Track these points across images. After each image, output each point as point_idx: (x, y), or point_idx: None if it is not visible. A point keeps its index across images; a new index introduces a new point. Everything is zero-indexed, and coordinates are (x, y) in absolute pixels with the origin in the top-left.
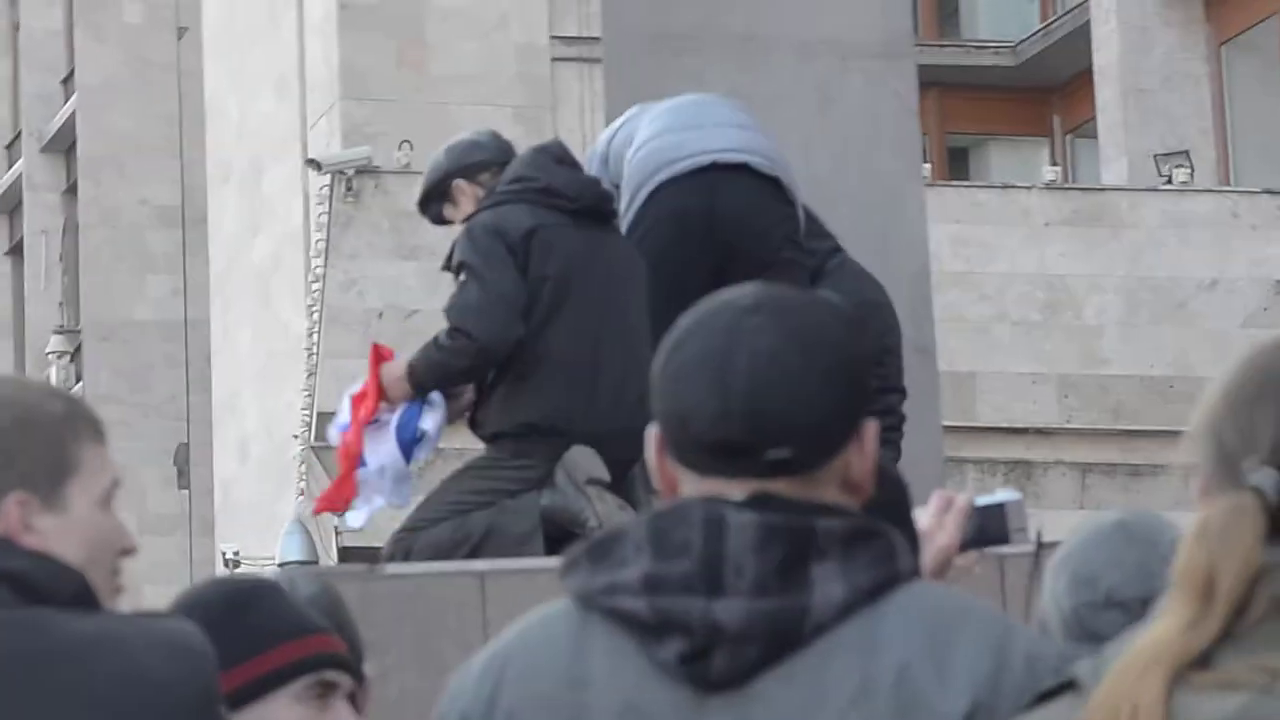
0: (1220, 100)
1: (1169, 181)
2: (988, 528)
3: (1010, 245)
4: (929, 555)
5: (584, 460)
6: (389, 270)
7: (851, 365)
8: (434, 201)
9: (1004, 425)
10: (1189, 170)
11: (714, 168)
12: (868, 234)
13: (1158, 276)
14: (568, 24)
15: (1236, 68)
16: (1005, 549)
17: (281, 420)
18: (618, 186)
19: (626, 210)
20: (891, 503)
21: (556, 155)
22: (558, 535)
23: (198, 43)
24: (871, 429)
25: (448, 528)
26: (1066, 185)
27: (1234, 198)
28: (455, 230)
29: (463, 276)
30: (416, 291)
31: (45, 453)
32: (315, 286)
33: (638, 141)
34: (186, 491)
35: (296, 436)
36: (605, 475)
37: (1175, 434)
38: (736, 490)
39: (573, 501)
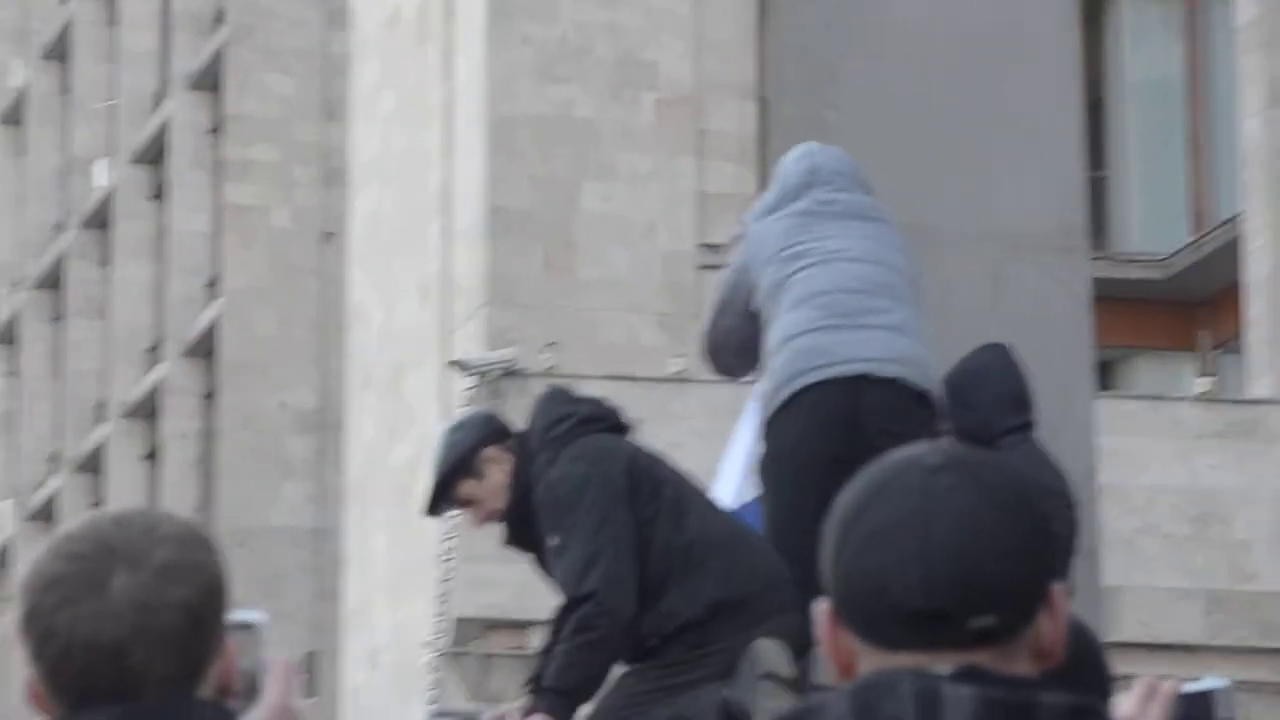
0: None
1: None
2: (1194, 716)
3: (1160, 457)
4: None
5: (767, 653)
6: None
7: (1045, 525)
8: (451, 487)
9: (1149, 641)
10: None
11: (863, 378)
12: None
13: None
14: (715, 231)
15: None
16: None
17: (413, 628)
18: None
19: (768, 405)
20: (1085, 662)
21: (564, 395)
22: None
23: (342, 248)
24: (1061, 593)
25: None
26: (1219, 398)
27: None
28: None
29: (557, 540)
30: None
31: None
32: None
33: (784, 330)
34: (315, 700)
35: (427, 645)
36: (786, 670)
37: None
38: (933, 663)
39: (748, 694)
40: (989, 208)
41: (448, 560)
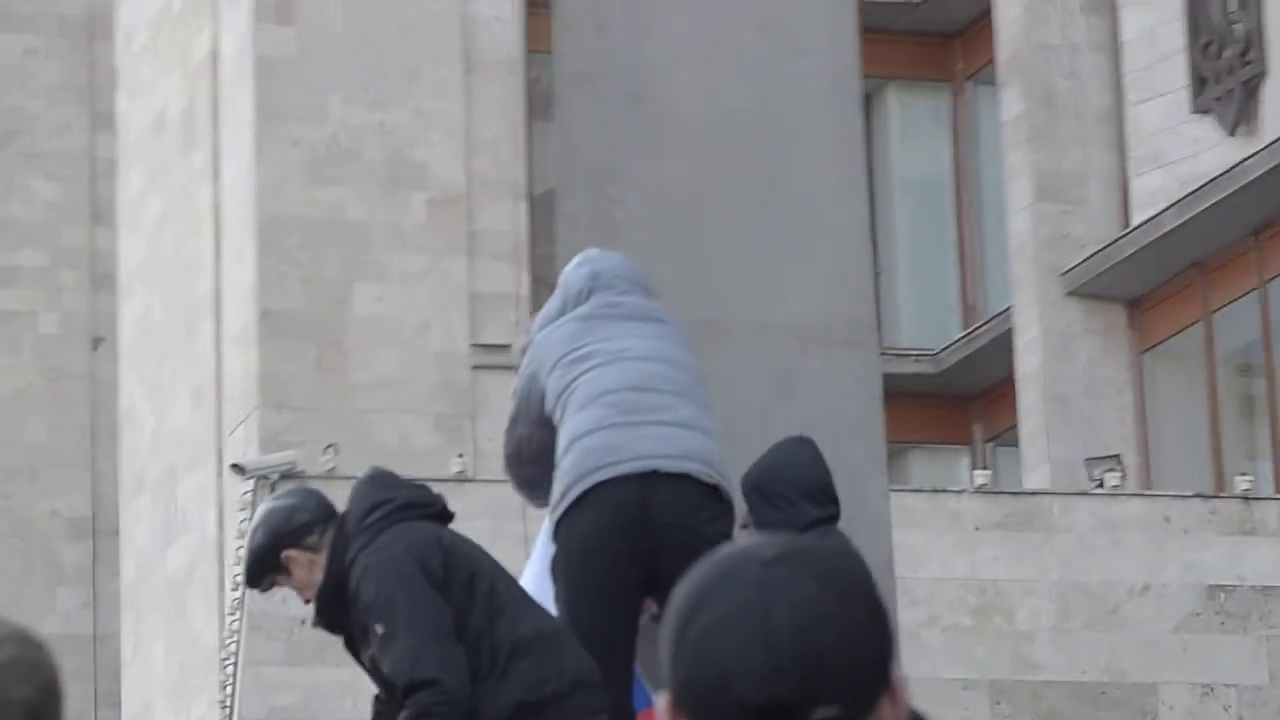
0: (1142, 407)
1: (1100, 485)
2: None
3: (941, 549)
4: None
5: None
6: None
7: (882, 612)
8: (265, 575)
9: None
10: (1120, 474)
11: (654, 474)
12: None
13: (1090, 581)
14: (489, 332)
15: (1158, 375)
16: None
17: None
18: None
19: (557, 504)
20: None
21: (387, 479)
22: None
23: (112, 353)
24: (900, 679)
25: None
26: (997, 490)
27: (1165, 501)
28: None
29: (382, 628)
30: None
31: None
32: (234, 595)
33: (572, 429)
34: None
35: None
36: None
37: None
38: None
39: None
40: (776, 301)
41: (229, 664)
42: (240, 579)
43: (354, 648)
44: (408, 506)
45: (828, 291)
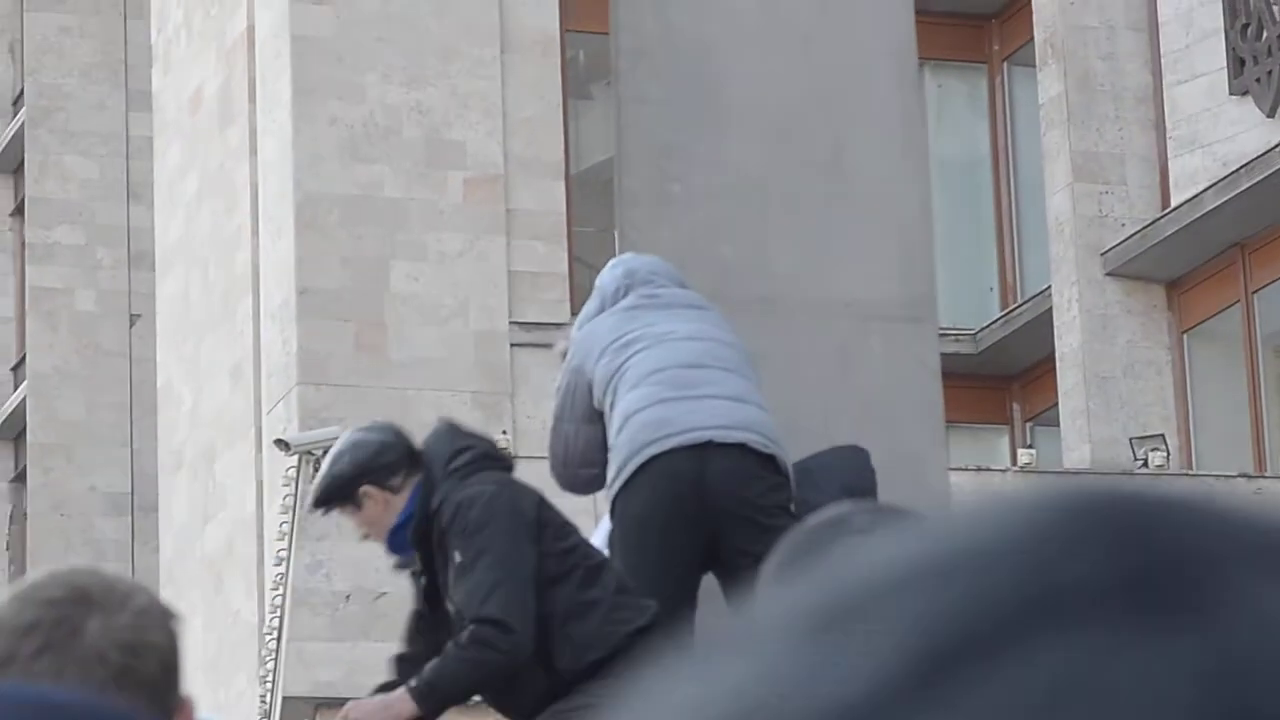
0: (1183, 388)
1: (1145, 465)
2: None
3: None
4: None
5: None
6: (356, 552)
7: None
8: (335, 503)
9: None
10: (1165, 454)
11: (709, 444)
12: (889, 500)
13: None
14: (527, 310)
15: (1198, 356)
16: None
17: (232, 710)
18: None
19: (614, 480)
20: None
21: (464, 429)
22: None
23: (150, 330)
24: None
25: None
26: (1041, 469)
27: (1209, 481)
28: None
29: (460, 556)
30: (384, 574)
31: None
32: (278, 570)
33: (625, 408)
34: None
35: None
36: None
37: None
38: None
39: None
40: (836, 279)
41: (270, 639)
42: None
43: (436, 587)
44: (488, 457)
45: (888, 269)
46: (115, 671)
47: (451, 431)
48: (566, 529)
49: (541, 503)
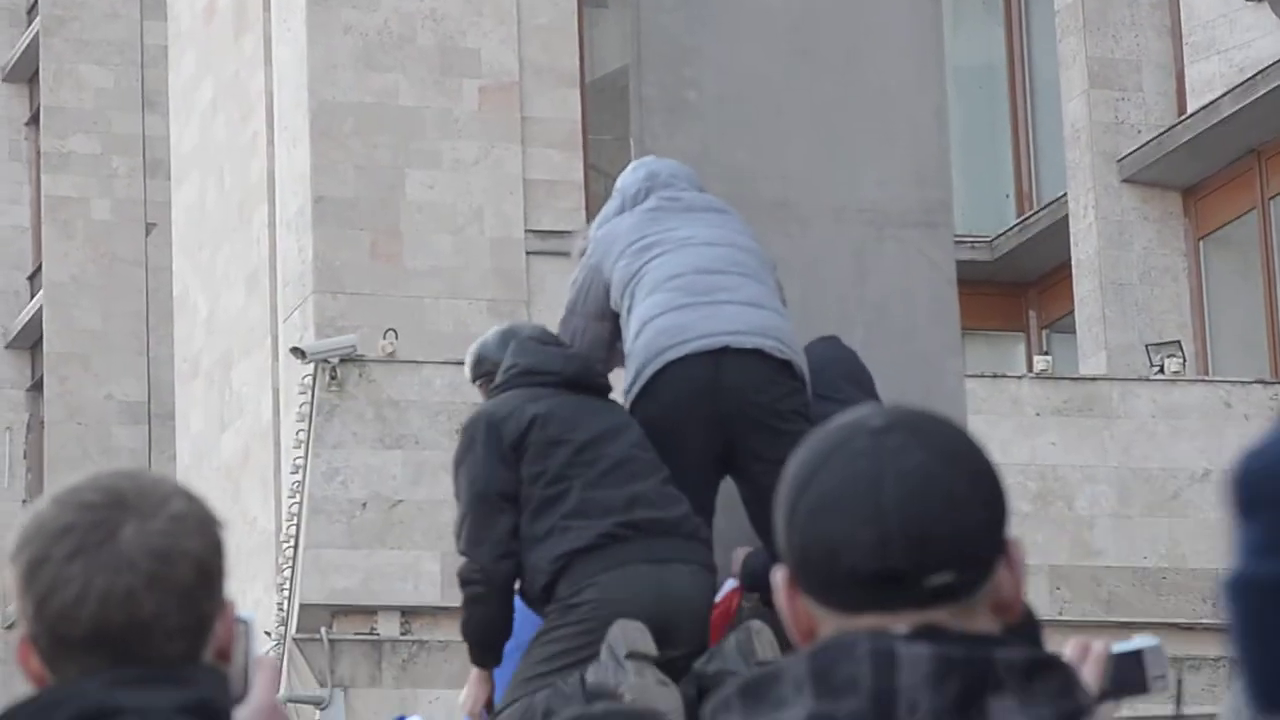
0: (1199, 295)
1: (1161, 371)
2: (1126, 676)
3: (1001, 435)
4: None
5: (628, 633)
6: (373, 460)
7: (995, 476)
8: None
9: None
10: (1181, 360)
11: (725, 350)
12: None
13: (1150, 467)
14: (543, 218)
15: (1215, 263)
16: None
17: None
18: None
19: (630, 386)
20: (1024, 627)
21: (526, 344)
22: None
23: (166, 239)
24: (1017, 545)
25: (517, 711)
26: (1057, 376)
27: (1226, 388)
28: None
29: (454, 488)
30: (401, 481)
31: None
32: (294, 478)
33: (642, 313)
34: None
35: (269, 633)
36: (650, 649)
37: (1168, 626)
38: (893, 624)
39: (611, 677)
40: (852, 185)
41: (287, 547)
42: (301, 461)
43: None
44: (527, 373)
45: (903, 174)
46: (146, 577)
47: (517, 346)
48: (549, 449)
49: (533, 423)
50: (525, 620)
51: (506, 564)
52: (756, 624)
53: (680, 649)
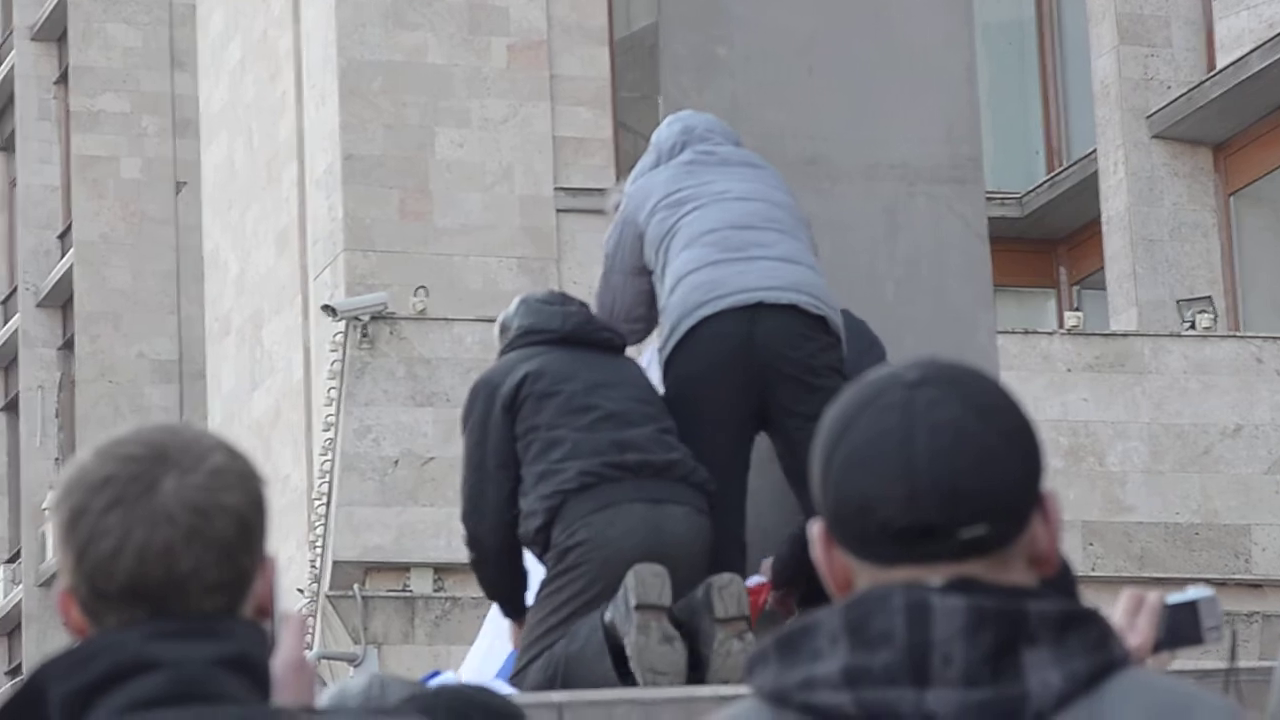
0: (1229, 251)
1: (1192, 327)
2: (1180, 627)
3: (1032, 391)
4: None
5: (643, 581)
6: (404, 417)
7: (1029, 429)
8: None
9: None
10: (1212, 316)
11: (759, 306)
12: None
13: (1181, 423)
14: (572, 175)
15: (1245, 218)
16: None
17: (283, 575)
18: (641, 236)
19: (665, 342)
20: (1060, 581)
21: (530, 304)
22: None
23: (196, 198)
24: (1053, 499)
25: (540, 666)
26: (1088, 332)
27: (1257, 343)
28: (470, 379)
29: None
30: (432, 438)
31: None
32: (326, 436)
33: (677, 269)
34: None
35: (301, 590)
36: (663, 599)
37: (1200, 581)
38: (928, 576)
39: (622, 624)
40: (882, 141)
41: (320, 504)
42: (333, 419)
43: None
44: (526, 333)
45: (934, 131)
46: (184, 531)
47: (519, 305)
48: (542, 403)
49: (525, 380)
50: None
51: (501, 531)
52: (724, 577)
53: (676, 591)
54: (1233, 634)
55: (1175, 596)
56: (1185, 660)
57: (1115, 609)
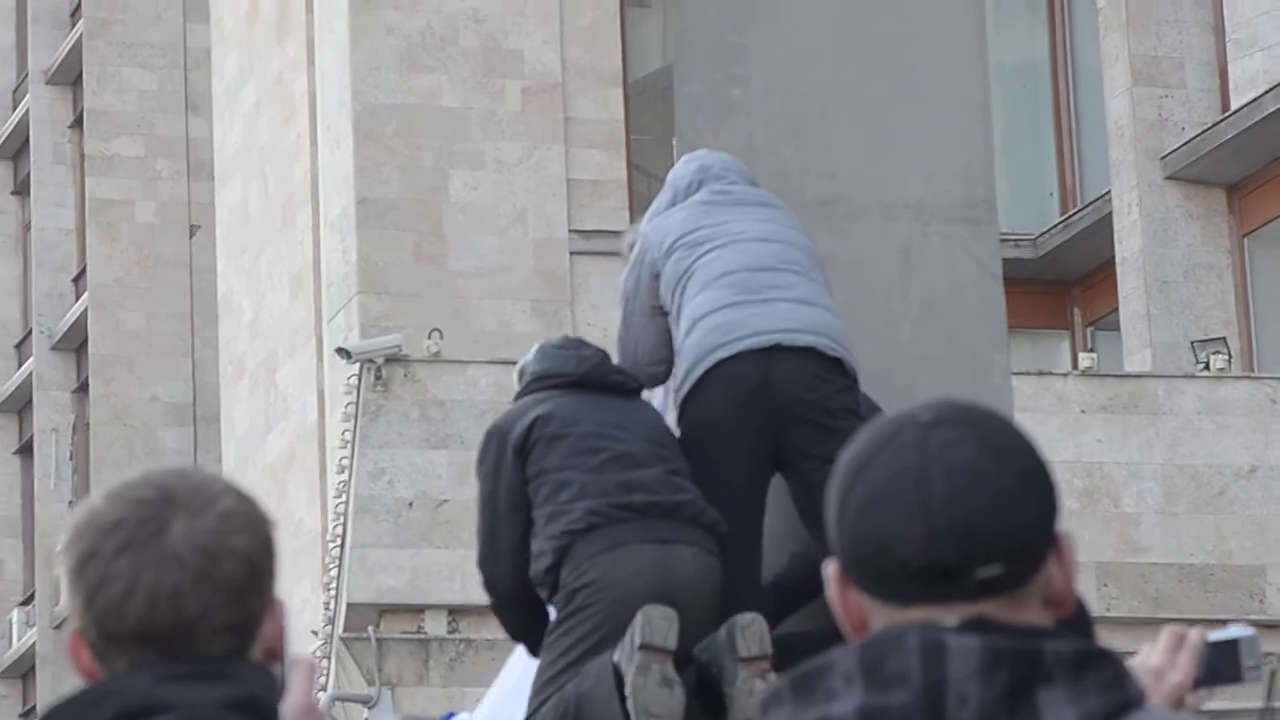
0: (1244, 292)
1: (1206, 368)
2: (1220, 665)
3: (1047, 432)
4: (1161, 694)
5: (650, 622)
6: (419, 459)
7: (1044, 470)
8: None
9: None
10: (1227, 357)
11: (776, 348)
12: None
13: (1196, 464)
14: (586, 218)
15: (1259, 259)
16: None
17: (297, 617)
18: (657, 277)
19: (681, 385)
20: (1076, 621)
21: (547, 349)
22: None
23: (210, 241)
24: (1069, 539)
25: (551, 708)
26: (1103, 373)
27: (1272, 384)
28: (485, 421)
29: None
30: (446, 480)
31: None
32: (340, 478)
33: (693, 311)
34: None
35: (316, 632)
36: (668, 643)
37: (1216, 623)
38: (943, 616)
39: (625, 663)
40: (897, 181)
41: (334, 547)
42: (347, 461)
43: None
44: (540, 378)
45: (949, 171)
46: (193, 574)
47: (536, 353)
48: (551, 445)
49: (534, 424)
50: None
51: (515, 574)
52: (747, 617)
53: (685, 632)
54: (1271, 674)
55: (1216, 634)
56: (1220, 699)
57: (1156, 646)
